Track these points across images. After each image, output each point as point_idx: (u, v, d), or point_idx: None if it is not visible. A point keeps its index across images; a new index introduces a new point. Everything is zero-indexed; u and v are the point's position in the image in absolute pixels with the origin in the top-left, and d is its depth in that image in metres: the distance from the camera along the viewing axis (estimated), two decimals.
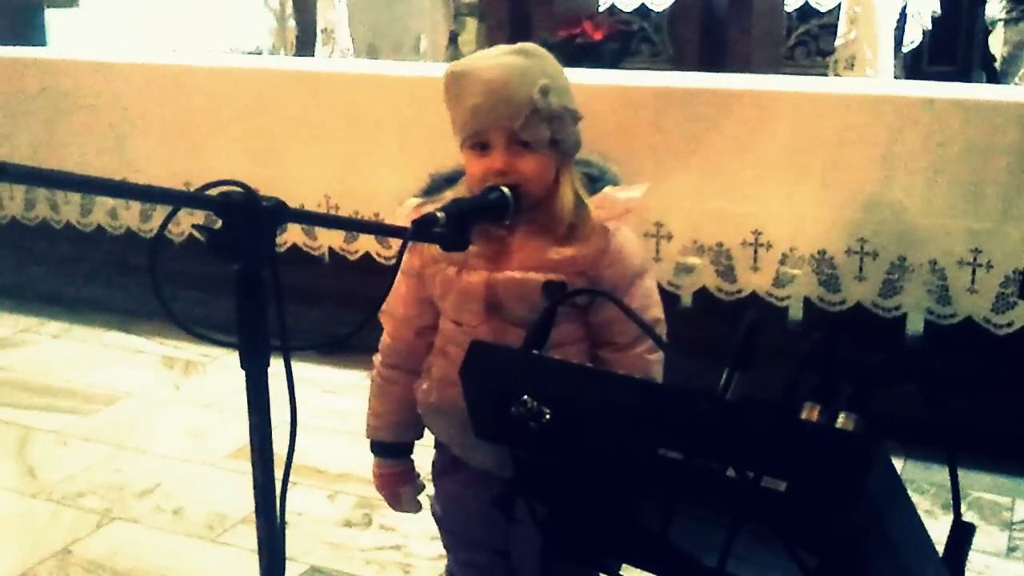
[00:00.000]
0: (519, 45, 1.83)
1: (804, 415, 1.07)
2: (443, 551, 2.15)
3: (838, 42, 5.20)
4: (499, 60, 1.79)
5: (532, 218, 1.80)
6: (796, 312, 3.56)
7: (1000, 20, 5.14)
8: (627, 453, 1.16)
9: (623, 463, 1.17)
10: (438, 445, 2.02)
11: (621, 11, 6.38)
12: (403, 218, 1.82)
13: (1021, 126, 3.10)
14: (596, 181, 1.88)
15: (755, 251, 3.44)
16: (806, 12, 6.07)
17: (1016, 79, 5.02)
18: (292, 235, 4.18)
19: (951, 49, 5.86)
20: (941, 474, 3.18)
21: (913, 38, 5.51)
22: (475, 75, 1.78)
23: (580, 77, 3.32)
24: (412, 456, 2.06)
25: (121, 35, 6.48)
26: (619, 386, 1.25)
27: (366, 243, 4.08)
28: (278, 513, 1.42)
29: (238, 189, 1.31)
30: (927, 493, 3.12)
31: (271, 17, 6.58)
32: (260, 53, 6.57)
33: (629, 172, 1.95)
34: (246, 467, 1.42)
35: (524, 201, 1.76)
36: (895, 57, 5.28)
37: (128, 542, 2.99)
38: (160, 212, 4.35)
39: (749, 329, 1.20)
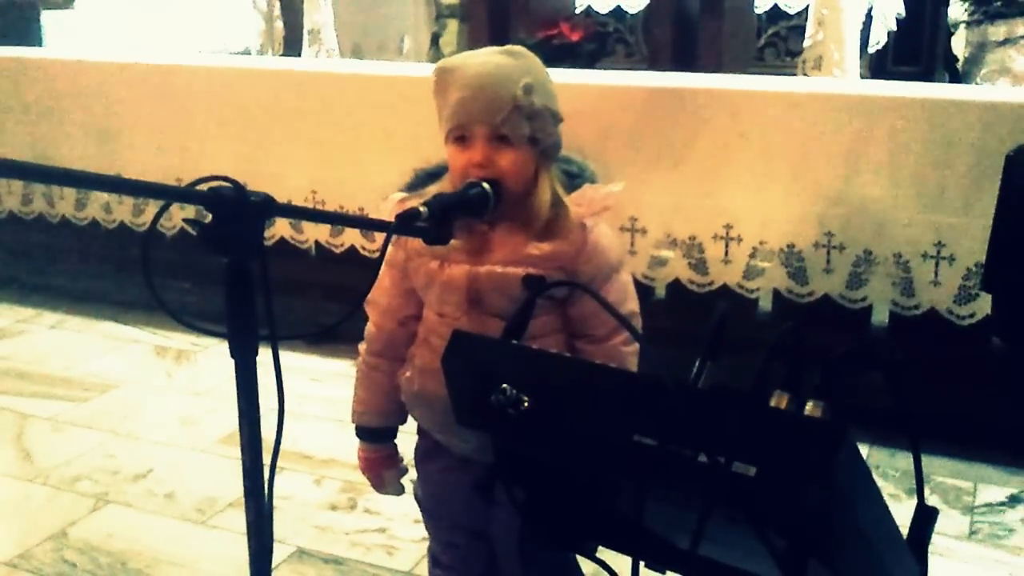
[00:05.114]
0: (507, 47, 1.85)
1: (773, 403, 1.09)
2: (425, 534, 2.18)
3: (806, 43, 5.20)
4: (486, 58, 1.81)
5: (511, 214, 1.82)
6: (766, 304, 3.60)
7: (962, 22, 5.13)
8: (603, 439, 1.17)
9: (599, 449, 1.18)
10: (420, 431, 2.05)
11: (597, 13, 6.43)
12: (387, 211, 1.85)
13: (982, 124, 3.14)
14: (575, 178, 1.90)
15: (726, 245, 3.48)
16: (775, 14, 6.13)
17: (977, 79, 5.04)
18: (280, 229, 4.21)
19: (915, 50, 5.85)
20: (905, 460, 3.22)
21: (878, 39, 5.51)
22: (462, 70, 1.80)
23: (558, 77, 3.36)
24: (395, 441, 2.09)
25: (115, 36, 6.49)
26: (595, 375, 1.25)
27: (351, 236, 4.11)
28: (266, 497, 1.44)
29: (228, 184, 1.33)
30: (892, 478, 3.17)
31: (259, 18, 6.56)
32: (249, 53, 6.54)
33: (605, 169, 1.98)
34: (235, 453, 1.44)
35: (504, 197, 1.77)
36: (861, 57, 5.29)
37: (121, 525, 3.02)
38: (152, 207, 4.39)
39: (720, 320, 1.23)
